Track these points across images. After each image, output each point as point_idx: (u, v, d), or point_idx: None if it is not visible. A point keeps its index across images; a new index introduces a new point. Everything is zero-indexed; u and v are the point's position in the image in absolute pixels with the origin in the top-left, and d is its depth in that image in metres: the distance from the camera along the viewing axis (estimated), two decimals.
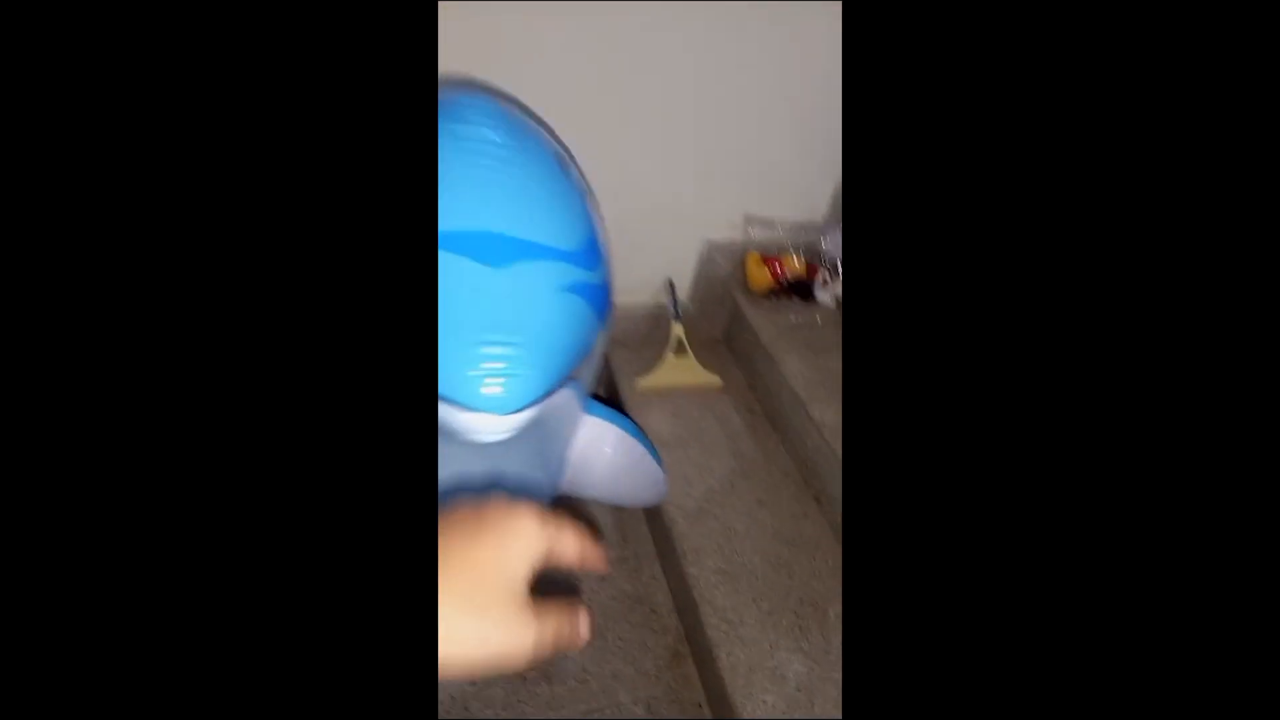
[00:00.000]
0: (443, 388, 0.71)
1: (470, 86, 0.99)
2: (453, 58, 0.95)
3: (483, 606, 0.32)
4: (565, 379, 0.80)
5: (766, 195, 1.35)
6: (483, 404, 0.72)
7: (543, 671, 1.08)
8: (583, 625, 0.37)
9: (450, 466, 0.67)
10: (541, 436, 0.91)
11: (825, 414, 1.16)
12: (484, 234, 0.75)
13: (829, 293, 1.38)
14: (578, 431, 1.04)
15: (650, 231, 1.32)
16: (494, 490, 0.84)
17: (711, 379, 1.38)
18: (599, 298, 0.87)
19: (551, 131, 0.97)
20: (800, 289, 1.38)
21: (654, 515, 1.21)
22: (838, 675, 0.97)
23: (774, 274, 1.36)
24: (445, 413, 0.73)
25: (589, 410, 1.05)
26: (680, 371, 1.36)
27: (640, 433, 1.13)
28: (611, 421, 1.07)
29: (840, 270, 1.37)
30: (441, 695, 1.03)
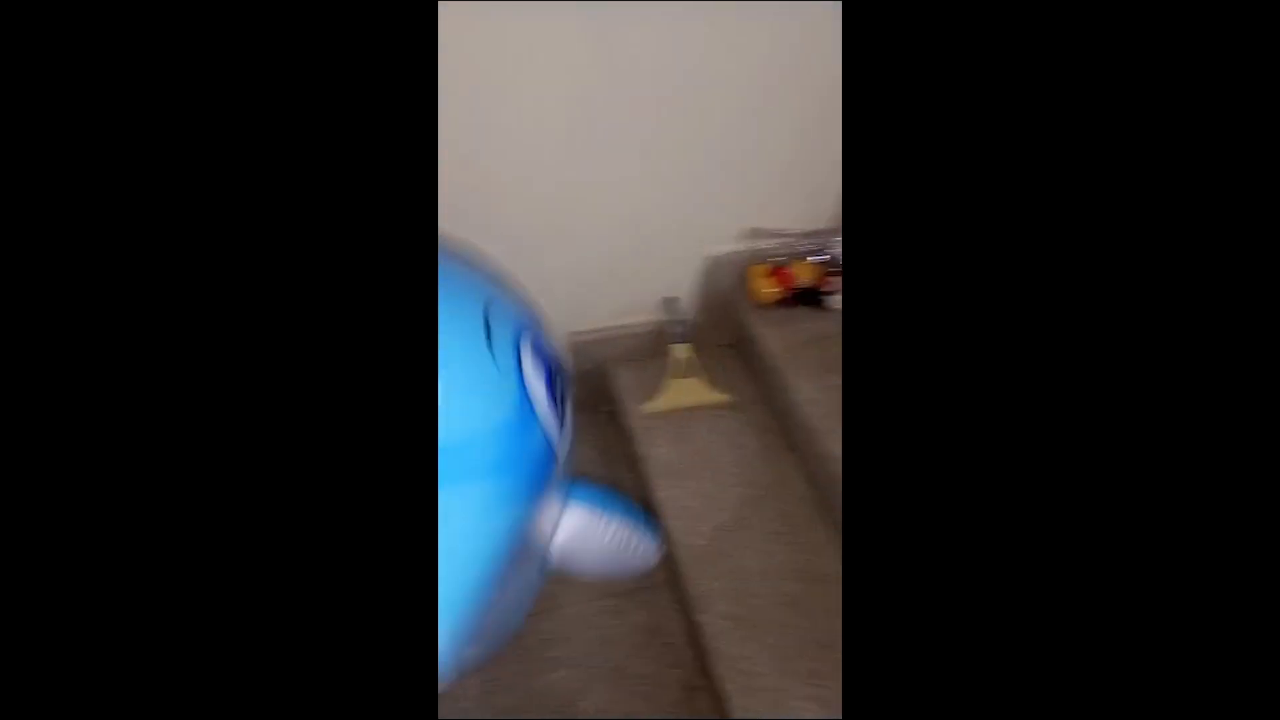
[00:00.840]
0: None
1: None
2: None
3: None
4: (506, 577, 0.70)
5: (769, 205, 1.26)
6: None
7: (560, 712, 1.09)
8: None
9: None
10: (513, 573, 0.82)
11: (838, 445, 1.10)
12: None
13: (841, 298, 1.29)
14: (560, 524, 1.02)
15: (649, 248, 1.24)
16: None
17: (720, 397, 1.32)
18: (525, 463, 0.72)
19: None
20: (809, 297, 1.30)
21: (668, 551, 1.19)
22: None
23: (782, 283, 1.27)
24: None
25: (571, 498, 1.04)
26: (687, 393, 1.31)
27: (625, 506, 1.11)
28: (594, 506, 1.05)
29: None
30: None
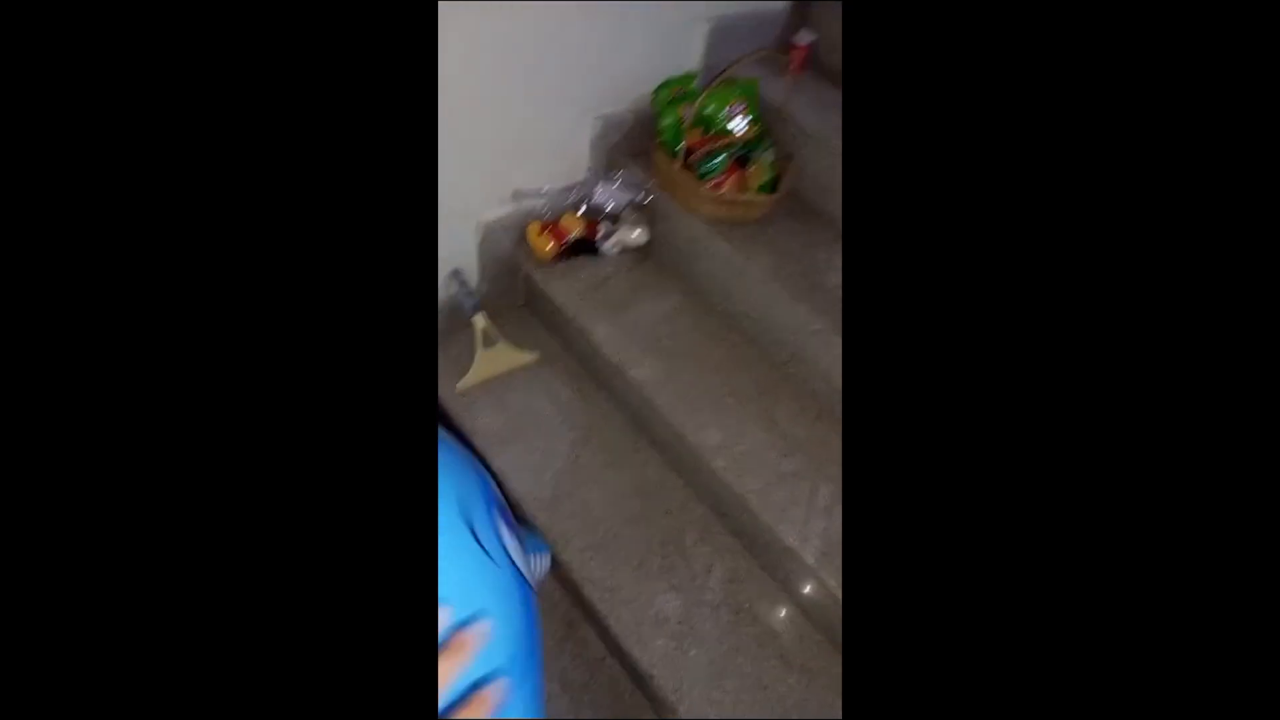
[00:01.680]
0: None
1: None
2: None
3: None
4: None
5: (531, 166, 1.31)
6: None
7: None
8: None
9: None
10: None
11: (641, 372, 1.25)
12: None
13: (613, 242, 1.41)
14: None
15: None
16: None
17: (527, 357, 1.39)
18: None
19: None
20: (584, 247, 1.40)
21: (517, 512, 1.27)
22: (707, 596, 1.15)
23: (556, 238, 1.35)
24: None
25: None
26: (495, 361, 1.36)
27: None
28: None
29: (619, 217, 1.40)
30: None
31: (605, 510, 1.23)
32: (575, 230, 1.36)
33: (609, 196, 1.38)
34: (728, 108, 1.32)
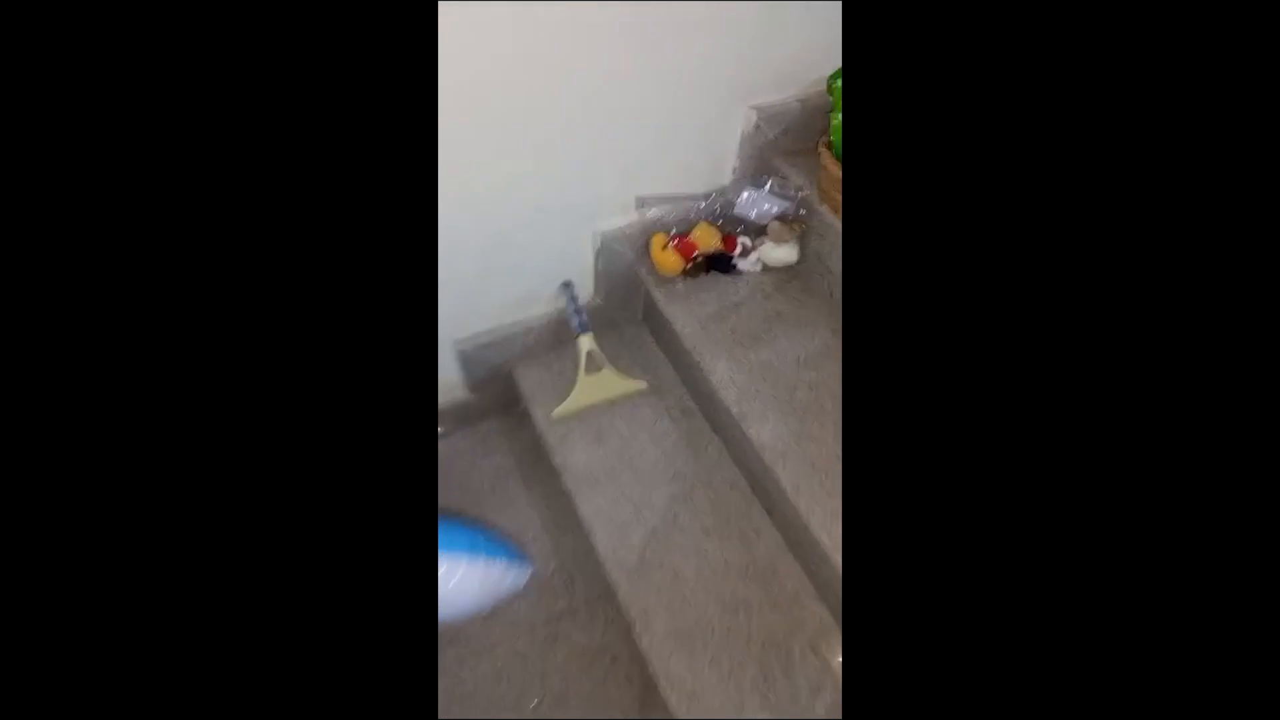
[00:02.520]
0: None
1: None
2: None
3: None
4: None
5: (663, 166, 1.09)
6: None
7: None
8: None
9: None
10: None
11: (764, 432, 1.01)
12: None
13: (753, 259, 1.17)
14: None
15: (539, 233, 1.08)
16: None
17: (634, 385, 1.21)
18: None
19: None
20: (718, 263, 1.17)
21: (598, 567, 1.11)
22: (802, 715, 0.92)
23: (684, 252, 1.14)
24: None
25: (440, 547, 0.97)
26: (598, 388, 1.19)
27: (478, 539, 1.03)
28: (457, 552, 0.99)
29: (764, 230, 1.15)
30: None
31: (700, 590, 1.03)
32: (709, 244, 1.14)
33: (754, 205, 1.13)
34: None
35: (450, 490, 1.27)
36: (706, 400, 1.16)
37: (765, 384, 1.06)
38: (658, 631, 0.99)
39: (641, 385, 1.21)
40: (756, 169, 1.15)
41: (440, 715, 1.04)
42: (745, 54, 0.98)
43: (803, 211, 1.13)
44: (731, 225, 1.17)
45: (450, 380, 1.26)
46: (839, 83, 1.06)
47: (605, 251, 1.14)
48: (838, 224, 1.07)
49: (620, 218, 1.12)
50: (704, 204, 1.13)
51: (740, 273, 1.18)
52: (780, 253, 1.16)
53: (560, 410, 1.17)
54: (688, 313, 1.15)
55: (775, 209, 1.13)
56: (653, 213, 1.12)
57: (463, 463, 1.32)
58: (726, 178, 1.16)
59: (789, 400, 1.05)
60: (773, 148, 1.14)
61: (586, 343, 1.17)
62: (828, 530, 0.92)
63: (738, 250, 1.15)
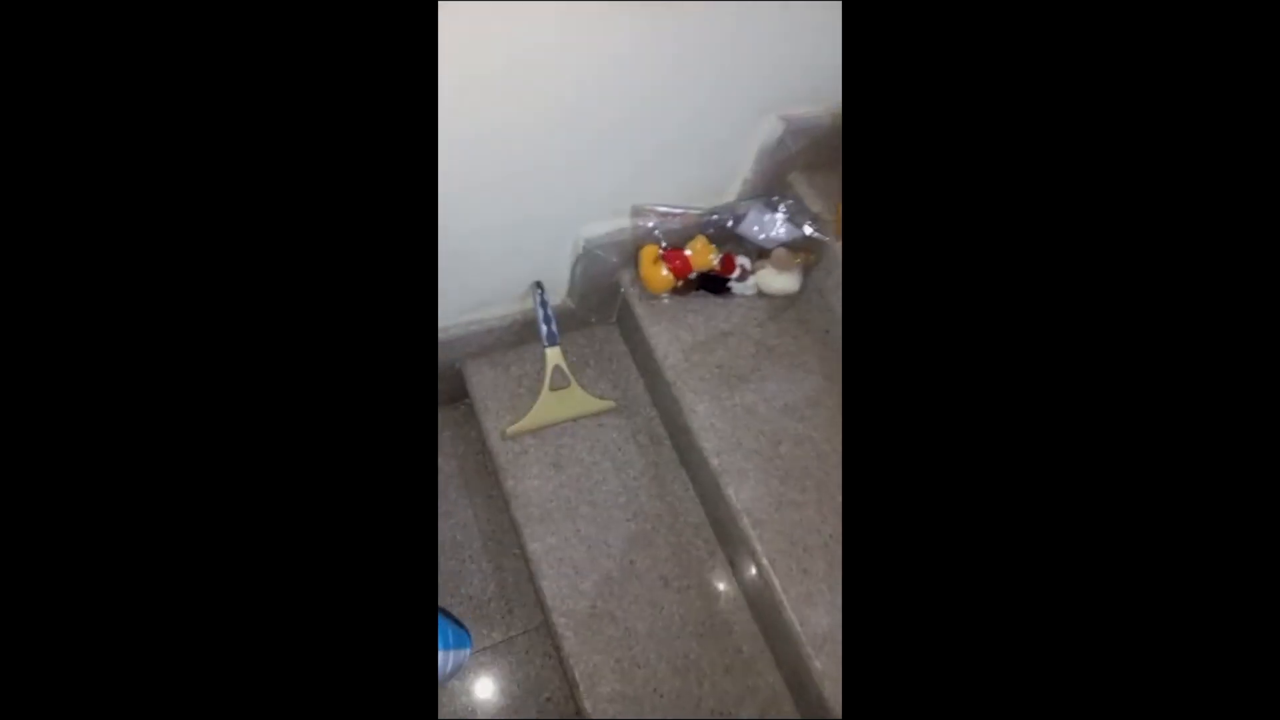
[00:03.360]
0: None
1: None
2: None
3: None
4: None
5: (670, 174, 0.92)
6: None
7: None
8: None
9: None
10: None
11: (743, 492, 0.92)
12: None
13: (749, 284, 1.04)
14: None
15: (515, 230, 0.90)
16: None
17: (602, 405, 1.08)
18: None
19: None
20: (712, 283, 1.03)
21: (542, 607, 1.01)
22: None
23: (676, 269, 0.99)
24: None
25: None
26: (560, 406, 1.06)
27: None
28: None
29: (765, 254, 1.01)
30: None
31: (652, 649, 0.95)
32: (705, 263, 0.99)
33: (762, 227, 0.99)
34: None
35: None
36: (681, 434, 1.05)
37: (749, 434, 0.96)
38: (602, 694, 0.91)
39: (610, 405, 1.09)
40: (770, 185, 1.00)
41: None
42: (779, 57, 0.81)
43: (814, 235, 1.00)
44: (733, 244, 1.03)
45: None
46: None
47: (587, 257, 0.98)
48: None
49: (608, 223, 0.96)
50: (707, 219, 0.98)
51: (733, 295, 1.06)
52: (781, 281, 1.03)
53: (516, 428, 1.04)
54: (672, 337, 1.02)
55: (784, 234, 0.99)
56: (647, 222, 0.95)
57: None
58: (735, 191, 1.00)
59: (773, 456, 0.95)
60: (792, 163, 0.98)
61: (554, 357, 1.03)
62: (798, 613, 0.85)
63: (736, 273, 1.02)
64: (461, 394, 1.16)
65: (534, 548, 0.99)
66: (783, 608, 0.85)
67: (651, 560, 1.01)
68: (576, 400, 1.06)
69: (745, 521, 0.91)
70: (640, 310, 1.04)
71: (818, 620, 0.84)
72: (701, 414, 0.97)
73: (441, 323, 1.02)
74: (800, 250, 1.01)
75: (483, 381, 1.10)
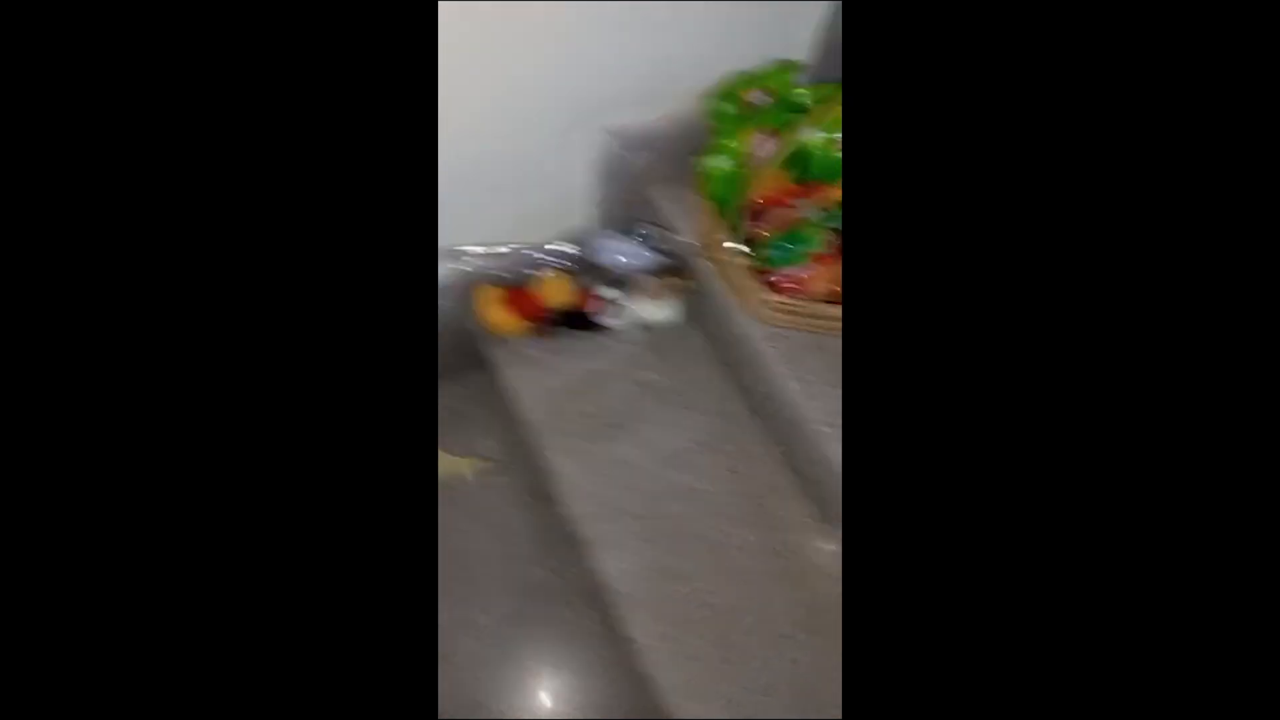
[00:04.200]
0: None
1: None
2: None
3: None
4: None
5: (486, 211, 0.79)
6: None
7: None
8: None
9: None
10: None
11: (614, 562, 0.79)
12: None
13: (625, 316, 0.90)
14: None
15: None
16: None
17: (464, 465, 0.95)
18: None
19: None
20: (577, 320, 0.90)
21: None
22: None
23: (524, 311, 0.86)
24: None
25: None
26: None
27: None
28: None
29: (626, 281, 0.88)
30: None
31: None
32: (559, 300, 0.86)
33: (621, 253, 0.86)
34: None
35: None
36: (548, 499, 0.92)
37: (624, 492, 0.83)
38: None
39: (472, 465, 0.96)
40: (624, 208, 0.86)
41: None
42: (596, 62, 0.67)
43: (678, 260, 0.86)
44: (592, 276, 0.89)
45: None
46: (725, 105, 0.76)
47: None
48: (720, 280, 0.81)
49: (440, 266, 0.82)
50: (551, 252, 0.85)
51: (608, 330, 0.92)
52: (657, 311, 0.90)
53: None
54: (536, 384, 0.89)
55: (648, 261, 0.86)
56: (463, 265, 0.82)
57: None
58: (587, 216, 0.86)
59: (652, 517, 0.82)
60: (645, 178, 0.84)
61: None
62: (682, 710, 0.72)
63: (598, 308, 0.88)
64: None
65: None
66: (660, 708, 0.73)
67: (536, 646, 0.89)
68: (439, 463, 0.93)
69: (618, 601, 0.78)
70: (496, 355, 0.90)
71: (704, 714, 0.72)
72: (569, 473, 0.84)
73: None
74: (672, 276, 0.88)
75: None
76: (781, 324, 0.78)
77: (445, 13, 0.49)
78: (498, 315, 0.86)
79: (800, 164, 0.75)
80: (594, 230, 0.85)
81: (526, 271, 0.86)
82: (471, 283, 0.85)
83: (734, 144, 0.72)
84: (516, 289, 0.85)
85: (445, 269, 0.82)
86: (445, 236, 0.80)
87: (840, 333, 0.77)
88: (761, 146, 0.72)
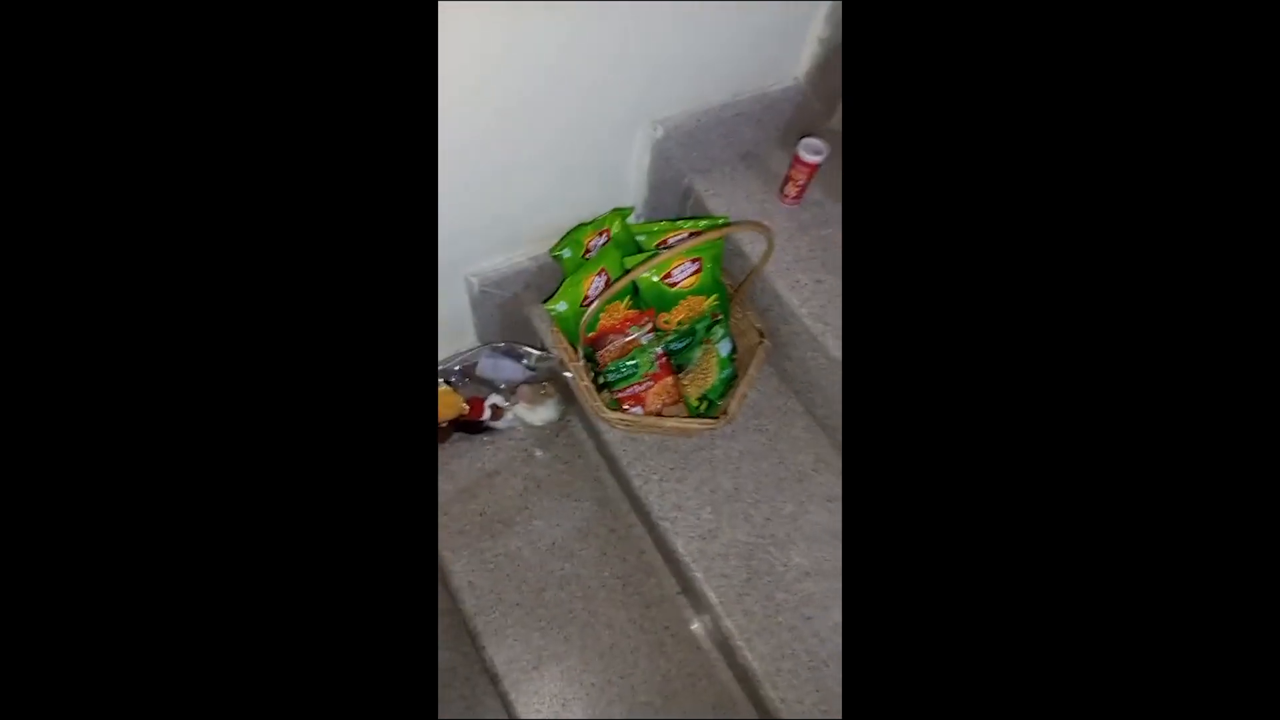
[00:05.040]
0: None
1: None
2: None
3: None
4: None
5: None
6: None
7: None
8: None
9: None
10: None
11: (499, 653, 0.90)
12: None
13: (508, 419, 1.02)
14: None
15: None
16: None
17: None
18: None
19: None
20: (468, 426, 1.02)
21: None
22: None
23: None
24: None
25: None
26: None
27: None
28: None
29: (509, 390, 1.00)
30: None
31: None
32: (449, 410, 0.98)
33: (497, 368, 0.98)
34: (676, 268, 0.87)
35: None
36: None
37: (510, 584, 0.94)
38: None
39: None
40: (502, 328, 0.99)
41: None
42: (459, 216, 0.80)
43: (555, 377, 0.98)
44: (477, 386, 1.01)
45: None
46: (569, 248, 0.90)
47: None
48: (586, 393, 0.93)
49: None
50: (442, 369, 0.97)
51: (499, 431, 1.04)
52: (537, 414, 1.02)
53: None
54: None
55: (520, 375, 0.98)
56: None
57: None
58: (469, 340, 0.99)
59: (535, 605, 0.93)
60: (515, 302, 0.97)
61: None
62: None
63: (486, 414, 1.00)
64: None
65: None
66: None
67: None
68: None
69: (504, 686, 0.88)
70: None
71: None
72: (460, 571, 0.95)
73: None
74: (548, 383, 1.00)
75: None
76: (625, 431, 0.90)
77: None
78: None
79: (633, 294, 0.87)
80: (479, 349, 0.98)
81: None
82: None
83: (573, 289, 0.85)
84: None
85: None
86: None
87: (678, 435, 0.89)
88: (597, 287, 0.85)
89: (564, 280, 0.85)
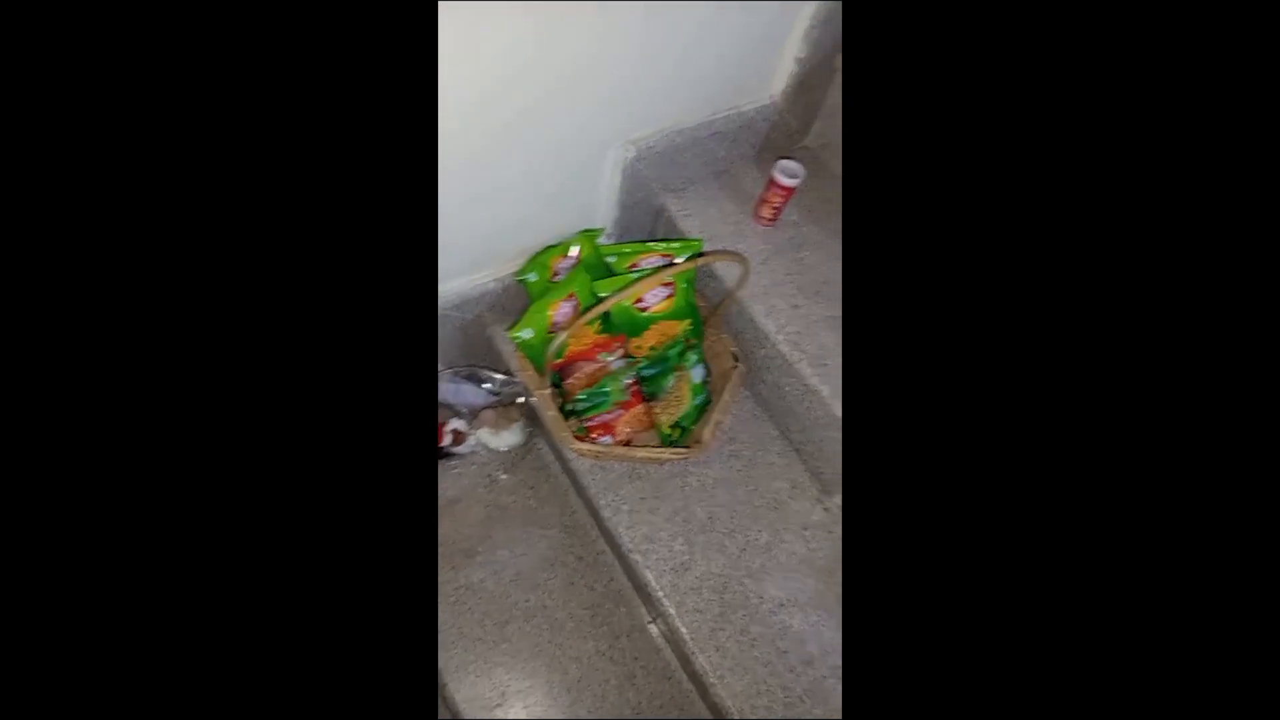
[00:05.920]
0: None
1: None
2: None
3: None
4: None
5: None
6: None
7: None
8: None
9: None
10: None
11: (461, 689, 0.85)
12: None
13: (470, 443, 0.98)
14: None
15: None
16: None
17: None
18: None
19: None
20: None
21: None
22: None
23: None
24: None
25: None
26: None
27: None
28: None
29: (472, 415, 0.95)
30: None
31: None
32: None
33: (459, 393, 0.94)
34: (648, 294, 0.84)
35: None
36: None
37: (472, 618, 0.90)
38: None
39: None
40: (464, 351, 0.94)
41: None
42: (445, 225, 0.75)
43: (519, 400, 0.94)
44: (442, 412, 0.96)
45: None
46: (533, 275, 0.86)
47: None
48: (554, 422, 0.89)
49: None
50: None
51: (461, 458, 0.99)
52: (501, 439, 0.98)
53: None
54: None
55: (482, 400, 0.94)
56: None
57: None
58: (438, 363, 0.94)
59: (499, 639, 0.89)
60: (478, 323, 0.93)
61: None
62: None
63: (447, 440, 0.96)
64: None
65: None
66: None
67: None
68: None
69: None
70: None
71: None
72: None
73: None
74: (512, 407, 0.96)
75: None
76: (593, 459, 0.87)
77: None
78: None
79: (603, 319, 0.84)
80: (439, 373, 0.93)
81: None
82: None
83: (539, 315, 0.81)
84: None
85: None
86: None
87: (648, 464, 0.86)
88: (564, 312, 0.82)
89: (529, 305, 0.81)
